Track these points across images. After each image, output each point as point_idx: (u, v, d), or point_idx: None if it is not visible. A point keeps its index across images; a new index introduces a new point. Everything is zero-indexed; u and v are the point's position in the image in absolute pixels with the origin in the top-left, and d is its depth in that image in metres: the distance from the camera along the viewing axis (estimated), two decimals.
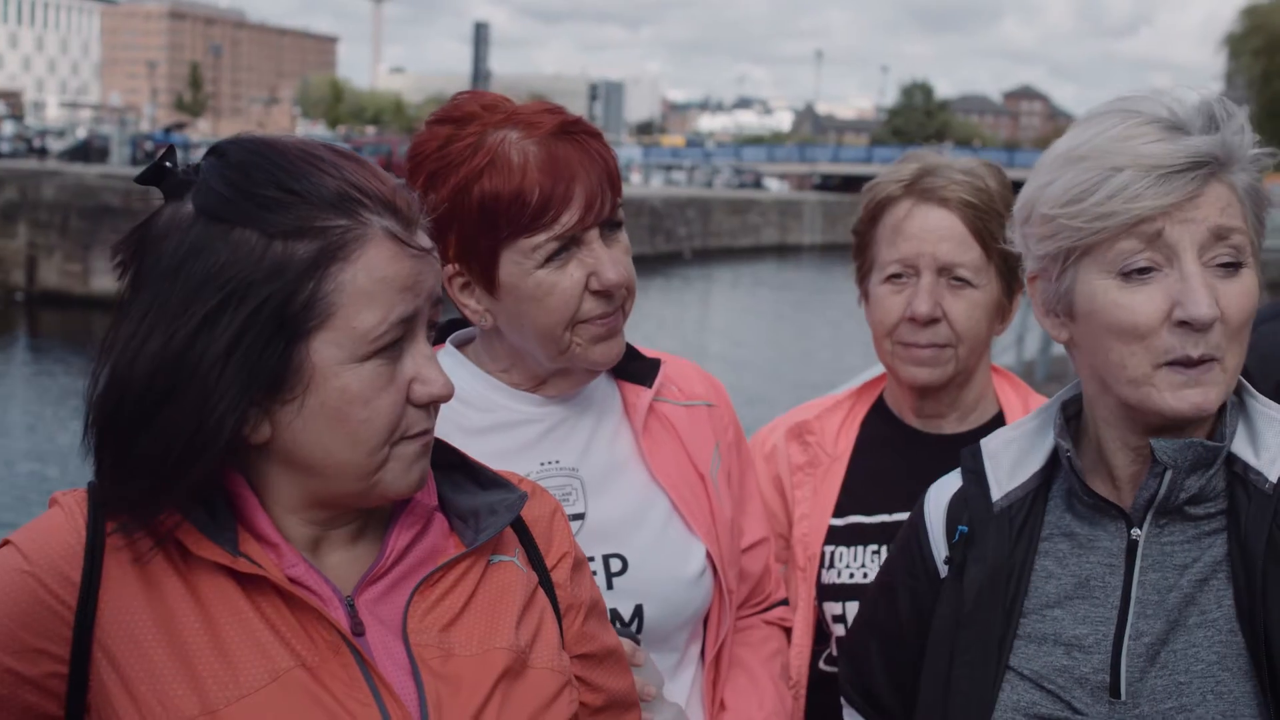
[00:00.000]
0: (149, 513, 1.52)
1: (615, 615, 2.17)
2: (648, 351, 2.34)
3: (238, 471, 1.58)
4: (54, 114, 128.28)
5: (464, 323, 2.31)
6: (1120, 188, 1.70)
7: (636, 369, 2.31)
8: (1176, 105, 1.73)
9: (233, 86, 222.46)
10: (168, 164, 1.56)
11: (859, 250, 2.66)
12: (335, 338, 1.51)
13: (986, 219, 2.53)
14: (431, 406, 1.60)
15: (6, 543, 1.57)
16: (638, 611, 2.21)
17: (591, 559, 2.13)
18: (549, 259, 2.07)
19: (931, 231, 2.53)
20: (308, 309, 1.49)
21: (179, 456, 1.49)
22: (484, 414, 2.21)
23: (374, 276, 1.51)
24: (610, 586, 2.18)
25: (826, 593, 2.60)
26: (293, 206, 1.50)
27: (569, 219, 2.05)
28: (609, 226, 2.12)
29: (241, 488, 1.58)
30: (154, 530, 1.53)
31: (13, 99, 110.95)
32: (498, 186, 2.04)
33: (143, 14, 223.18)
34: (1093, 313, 1.77)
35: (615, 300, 2.13)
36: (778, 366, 26.79)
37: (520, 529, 1.79)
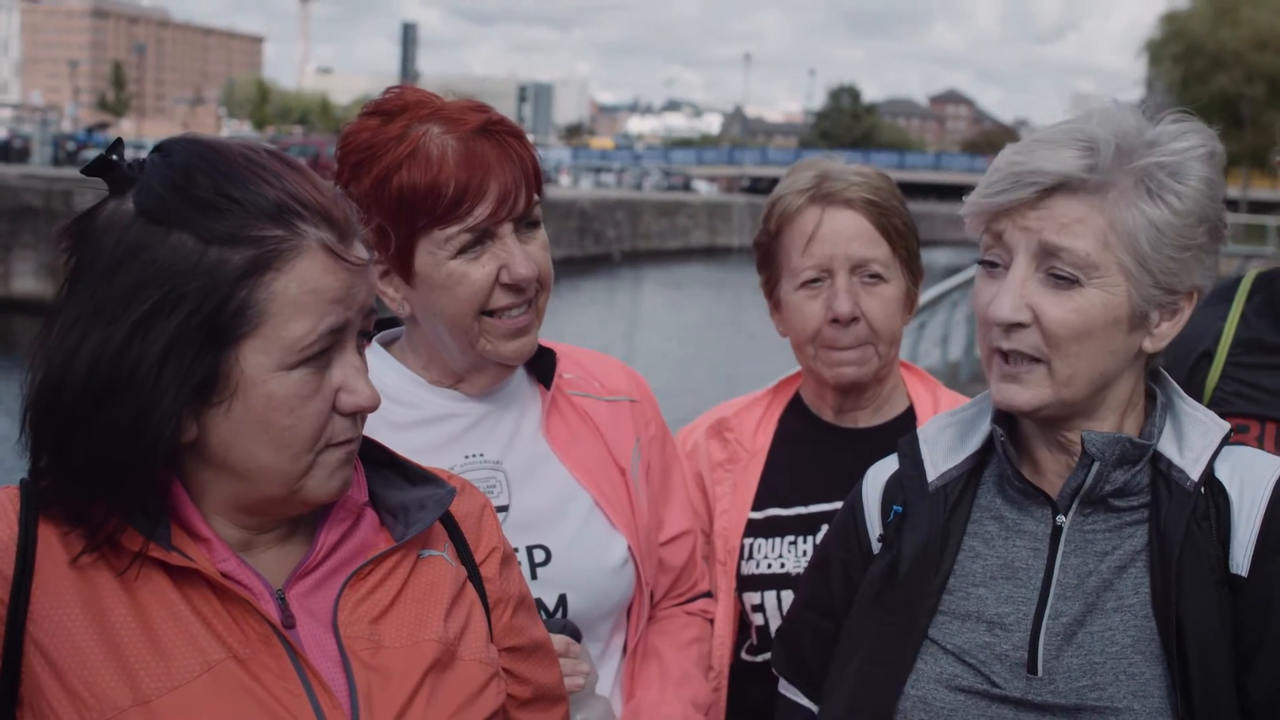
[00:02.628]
0: (87, 512, 1.54)
1: (541, 605, 2.21)
2: (544, 342, 2.39)
3: (170, 469, 1.59)
4: None
5: (391, 322, 2.36)
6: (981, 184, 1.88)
7: (543, 366, 2.37)
8: (1096, 127, 1.83)
9: (157, 86, 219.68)
10: (114, 157, 1.57)
11: (764, 262, 2.72)
12: (264, 345, 1.53)
13: (888, 214, 2.62)
14: (358, 416, 1.63)
15: None
16: (561, 601, 2.26)
17: (516, 550, 2.16)
18: (461, 250, 2.13)
19: (841, 233, 2.59)
20: (238, 316, 1.51)
21: (118, 459, 1.51)
22: (409, 409, 2.25)
23: (306, 288, 1.53)
24: (534, 577, 2.23)
25: (746, 584, 2.66)
26: (230, 213, 1.52)
27: (482, 212, 2.11)
28: (526, 224, 2.18)
29: (174, 484, 1.60)
30: (91, 529, 1.55)
31: None
32: (415, 178, 2.10)
33: (64, 12, 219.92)
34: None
35: (525, 294, 2.19)
36: (710, 363, 26.89)
37: (450, 524, 1.82)
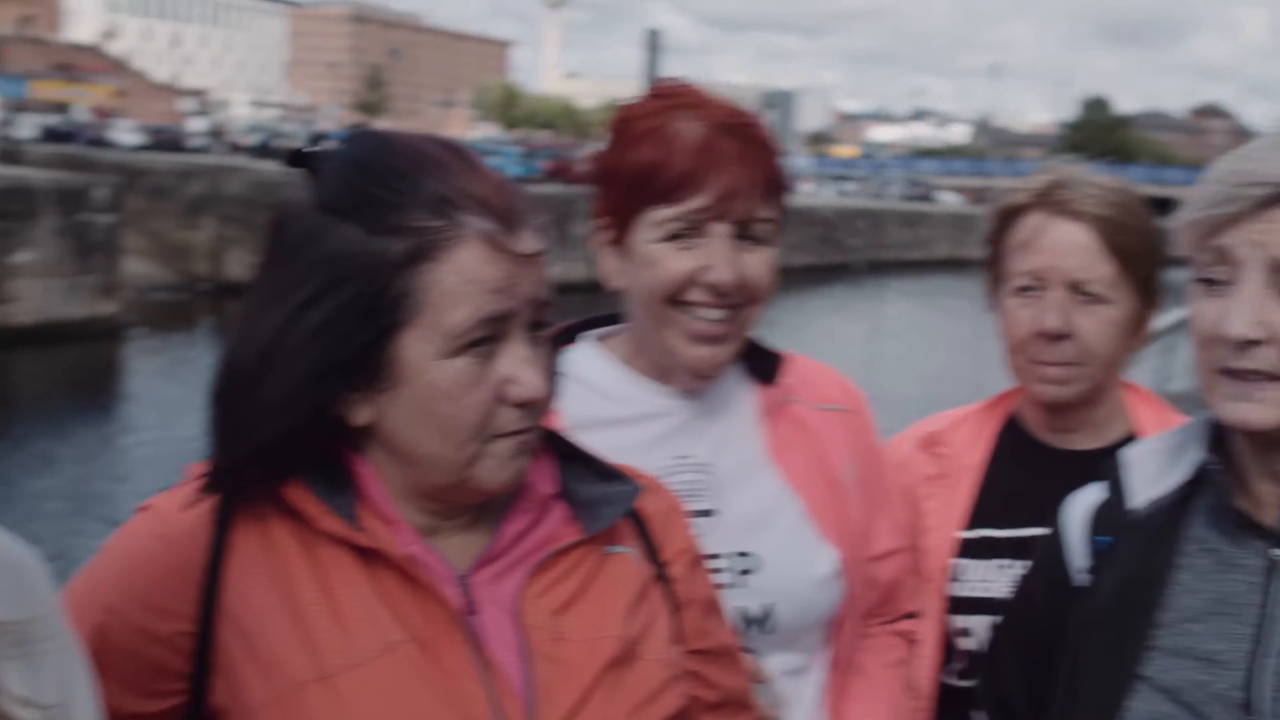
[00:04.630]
0: (262, 484, 1.60)
1: (745, 616, 2.17)
2: (775, 349, 2.33)
3: (352, 451, 1.64)
4: (240, 112, 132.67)
5: (608, 320, 2.35)
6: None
7: (766, 368, 2.31)
8: None
9: (411, 89, 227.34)
10: (311, 150, 1.65)
11: (990, 261, 2.62)
12: (424, 334, 1.55)
13: (1123, 232, 2.46)
14: (530, 407, 1.61)
15: (147, 508, 1.67)
16: (768, 610, 2.20)
17: (721, 555, 2.14)
18: (671, 237, 2.11)
19: (1061, 245, 2.47)
20: (398, 304, 1.54)
21: (285, 436, 1.57)
22: (618, 405, 2.23)
23: (464, 277, 1.55)
24: (739, 585, 2.18)
25: (953, 606, 2.57)
26: (393, 205, 1.55)
27: (698, 203, 2.07)
28: (749, 235, 2.13)
29: (363, 468, 1.64)
30: (277, 502, 1.61)
31: (202, 97, 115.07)
32: (646, 154, 2.09)
33: (327, 17, 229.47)
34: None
35: (725, 299, 2.12)
36: (958, 373, 26.41)
37: (638, 522, 1.81)
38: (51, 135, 52.63)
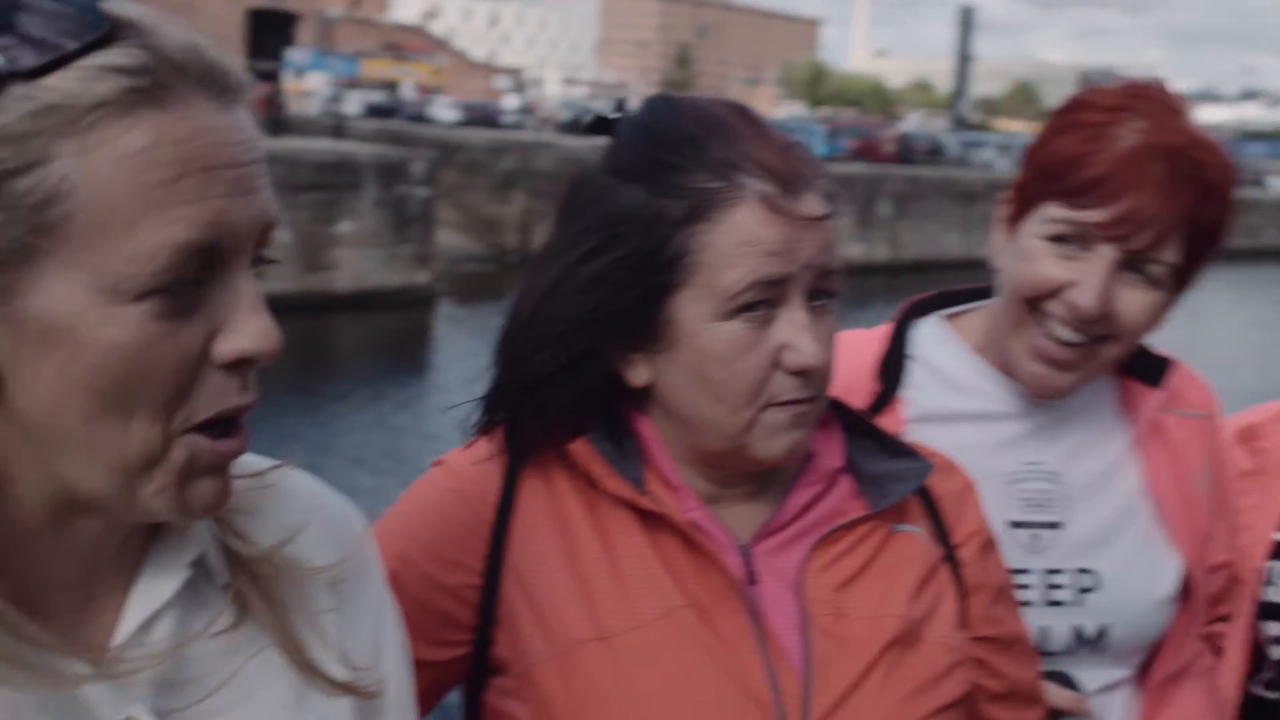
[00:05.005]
0: (549, 440, 1.63)
1: (1079, 635, 2.06)
2: (1162, 352, 2.14)
3: (634, 411, 1.66)
4: (552, 90, 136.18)
5: (965, 296, 2.20)
6: None
7: (1143, 365, 2.13)
8: None
9: (718, 66, 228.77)
10: (609, 117, 1.68)
11: None
12: (699, 295, 1.54)
13: None
14: (807, 376, 1.57)
15: (440, 463, 1.73)
16: (1104, 630, 2.07)
17: (1062, 571, 2.05)
18: (1056, 239, 1.94)
19: None
20: (673, 264, 1.54)
21: (561, 393, 1.60)
22: (967, 399, 2.10)
23: (739, 239, 1.53)
24: (1077, 603, 2.06)
25: (1264, 611, 2.39)
26: (675, 168, 1.55)
27: (1095, 216, 1.89)
28: (1140, 270, 1.93)
29: (649, 432, 1.65)
30: (564, 461, 1.64)
31: (516, 75, 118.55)
32: (1073, 147, 1.93)
33: None
34: None
35: (1081, 325, 1.94)
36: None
37: (928, 502, 1.76)
38: (374, 111, 55.19)
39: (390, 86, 71.02)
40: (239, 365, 1.06)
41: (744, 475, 1.66)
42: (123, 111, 0.99)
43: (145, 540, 1.17)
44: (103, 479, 1.05)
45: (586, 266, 1.57)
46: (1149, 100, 1.95)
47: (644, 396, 1.65)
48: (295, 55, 61.34)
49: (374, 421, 17.68)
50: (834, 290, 1.60)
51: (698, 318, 1.55)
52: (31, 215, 0.97)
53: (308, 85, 57.46)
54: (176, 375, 1.03)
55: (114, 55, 0.99)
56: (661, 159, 1.57)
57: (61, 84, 0.97)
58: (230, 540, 1.21)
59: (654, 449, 1.65)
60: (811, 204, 1.56)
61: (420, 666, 1.50)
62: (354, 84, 63.83)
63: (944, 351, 2.12)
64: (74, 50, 0.98)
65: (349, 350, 23.58)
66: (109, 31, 1.00)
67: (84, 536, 1.11)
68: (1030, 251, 1.97)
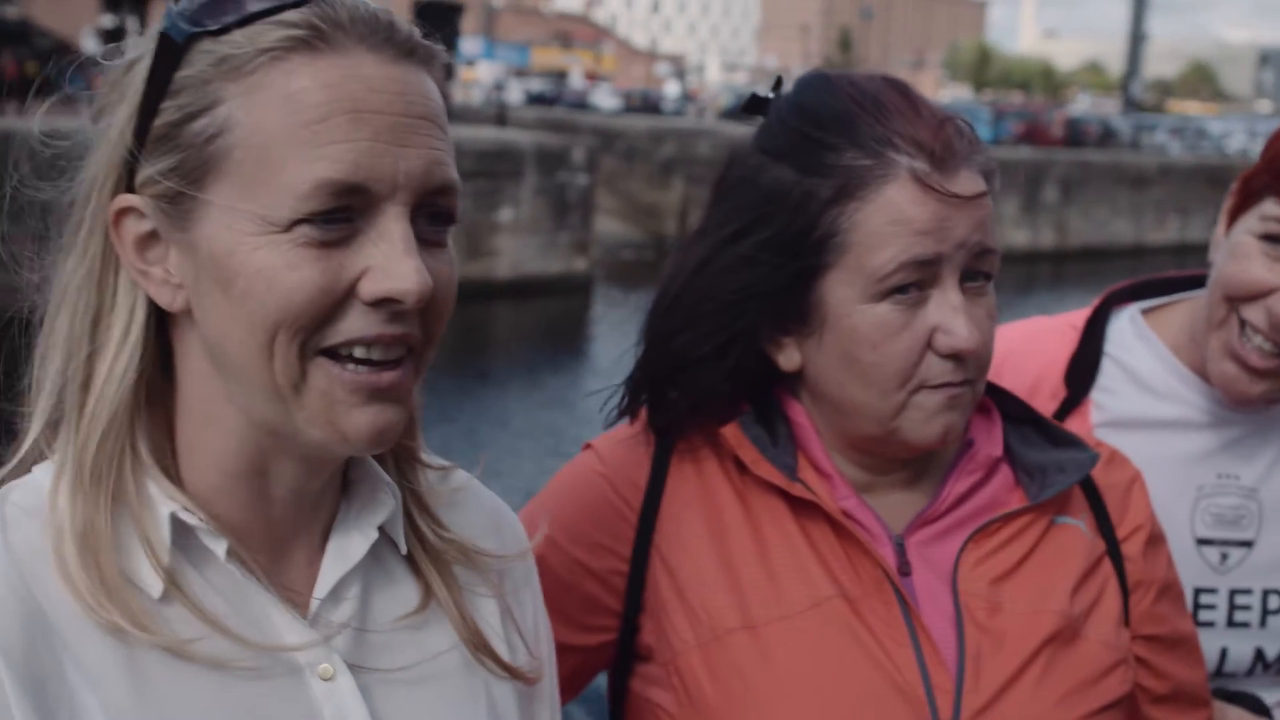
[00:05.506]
0: (699, 423, 1.61)
1: (1261, 657, 1.98)
2: None
3: (785, 396, 1.63)
4: (713, 77, 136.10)
5: (1169, 285, 2.11)
6: None
7: None
8: None
9: (882, 49, 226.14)
10: (763, 96, 1.65)
11: None
12: (848, 277, 1.51)
13: None
14: (961, 359, 1.52)
15: (589, 447, 1.72)
16: None
17: (1250, 592, 1.97)
18: (1268, 238, 1.86)
19: None
20: (822, 245, 1.51)
21: (693, 362, 1.58)
22: (1162, 404, 2.01)
23: (889, 217, 1.48)
24: (1264, 625, 1.98)
25: None
26: (825, 146, 1.52)
27: None
28: None
29: (801, 417, 1.62)
30: (714, 446, 1.62)
31: (678, 62, 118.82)
32: None
33: None
34: None
35: (1276, 331, 1.86)
36: None
37: (1091, 494, 1.69)
38: (535, 99, 55.81)
39: (559, 75, 71.80)
40: (384, 304, 1.10)
41: (898, 463, 1.61)
42: (281, 58, 1.08)
43: (335, 504, 1.24)
44: (263, 404, 1.12)
45: (735, 247, 1.55)
46: None
47: (796, 381, 1.62)
48: (466, 45, 62.35)
49: (532, 407, 17.89)
50: (990, 271, 1.54)
51: (847, 300, 1.51)
52: (203, 150, 1.08)
53: (476, 74, 58.40)
54: (316, 304, 1.08)
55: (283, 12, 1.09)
56: (812, 137, 1.53)
57: (235, 36, 1.09)
58: (423, 522, 1.29)
59: (806, 435, 1.62)
60: (966, 181, 1.50)
61: (564, 651, 1.51)
62: (523, 73, 64.62)
63: (1140, 350, 2.03)
64: (258, 11, 1.09)
65: (508, 337, 23.87)
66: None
67: (281, 483, 1.18)
68: (1240, 248, 1.88)
